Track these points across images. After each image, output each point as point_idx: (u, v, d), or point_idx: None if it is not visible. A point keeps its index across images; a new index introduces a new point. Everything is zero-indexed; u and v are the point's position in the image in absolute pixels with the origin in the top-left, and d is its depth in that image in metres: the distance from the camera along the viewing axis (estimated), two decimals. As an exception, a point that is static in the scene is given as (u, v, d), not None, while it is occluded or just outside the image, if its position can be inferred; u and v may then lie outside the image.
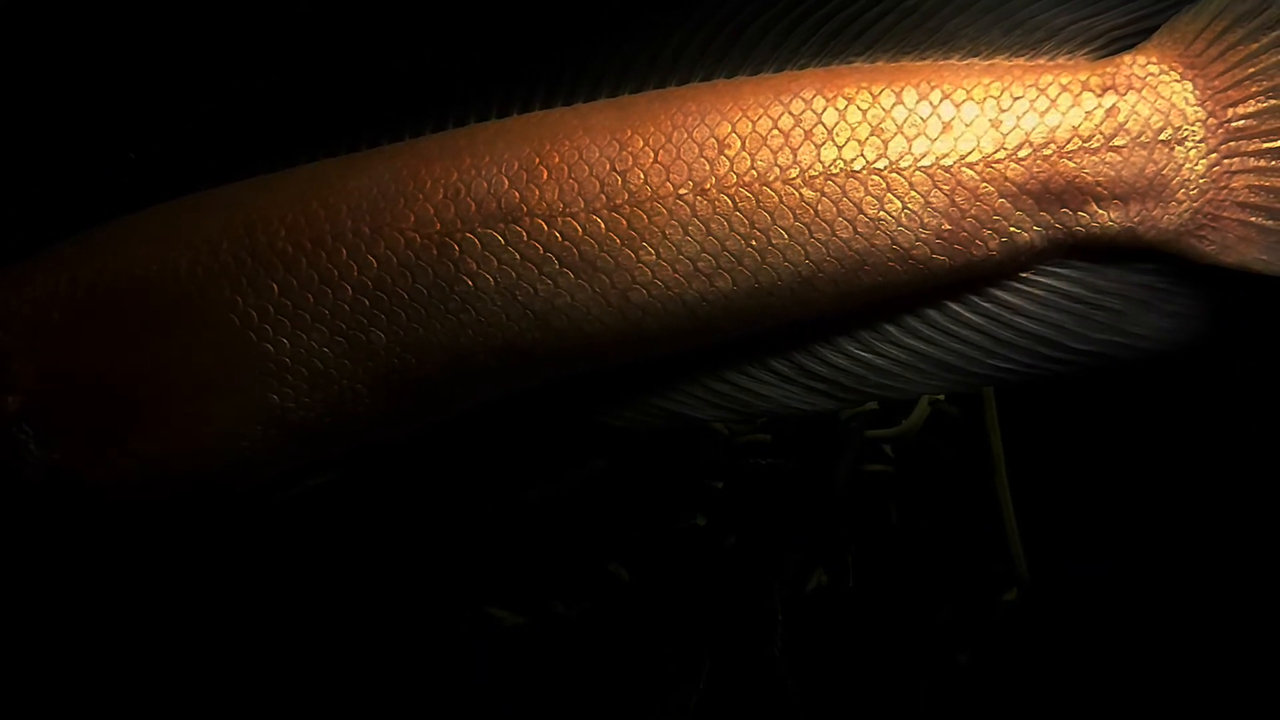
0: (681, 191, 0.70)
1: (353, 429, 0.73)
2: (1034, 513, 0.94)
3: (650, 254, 0.70)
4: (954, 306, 0.71)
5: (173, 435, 0.72)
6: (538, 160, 0.72)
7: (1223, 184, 0.68)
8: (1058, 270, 0.71)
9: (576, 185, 0.71)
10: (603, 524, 0.92)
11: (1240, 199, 0.68)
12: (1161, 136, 0.69)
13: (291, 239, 0.72)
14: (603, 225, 0.70)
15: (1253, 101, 0.68)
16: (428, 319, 0.71)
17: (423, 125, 0.75)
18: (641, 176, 0.71)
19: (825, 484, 0.92)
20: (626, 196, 0.70)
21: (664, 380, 0.74)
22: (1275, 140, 0.68)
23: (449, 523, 0.91)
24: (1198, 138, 0.68)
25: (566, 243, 0.70)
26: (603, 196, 0.70)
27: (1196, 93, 0.69)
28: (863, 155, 0.70)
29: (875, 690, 0.94)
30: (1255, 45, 0.68)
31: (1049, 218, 0.69)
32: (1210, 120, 0.68)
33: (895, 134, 0.70)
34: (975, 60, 0.72)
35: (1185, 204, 0.68)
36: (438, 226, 0.71)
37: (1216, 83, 0.69)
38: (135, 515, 0.76)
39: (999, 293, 0.71)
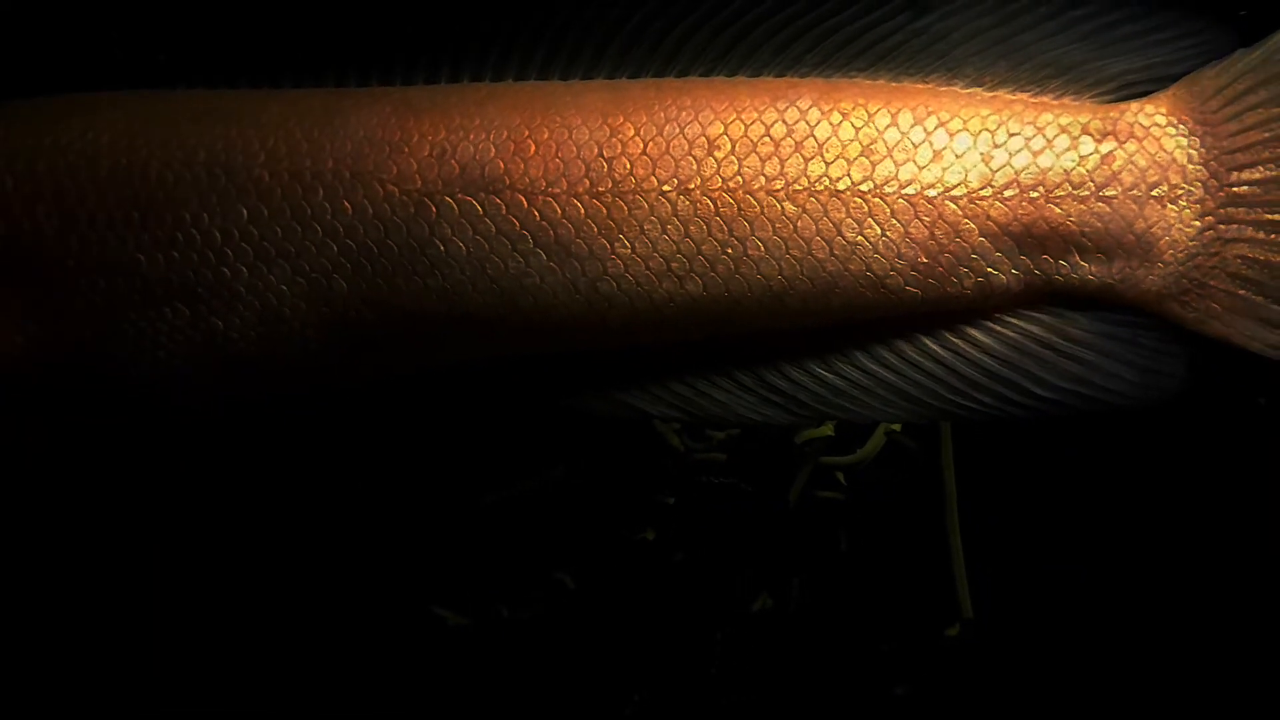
0: (665, 188, 0.70)
1: (295, 372, 0.73)
2: (981, 552, 0.94)
3: (625, 247, 0.70)
4: (922, 338, 0.71)
5: (103, 331, 0.71)
6: (527, 133, 0.71)
7: (1214, 250, 0.66)
8: (1032, 314, 0.70)
9: (562, 165, 0.70)
10: (554, 531, 0.92)
11: (1231, 269, 0.66)
12: (1155, 192, 0.67)
13: (269, 166, 0.70)
14: (582, 210, 0.70)
15: (1261, 169, 0.66)
16: (393, 276, 0.70)
17: (415, 73, 0.74)
18: (628, 166, 0.70)
19: (776, 507, 0.92)
20: (610, 185, 0.70)
21: (620, 370, 0.74)
22: (1278, 213, 0.65)
23: (400, 520, 0.91)
24: (1194, 198, 0.67)
25: (543, 223, 0.70)
26: (586, 181, 0.70)
27: (1202, 151, 0.67)
28: (849, 175, 0.69)
29: (810, 716, 0.94)
30: (1275, 111, 0.66)
31: (1028, 262, 0.68)
32: (1211, 181, 0.67)
33: (885, 157, 0.69)
34: (978, 90, 0.71)
35: (1171, 266, 0.67)
36: (418, 184, 0.70)
37: (1226, 143, 0.67)
38: (61, 413, 0.75)
39: (970, 329, 0.70)
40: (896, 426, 0.93)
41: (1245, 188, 0.66)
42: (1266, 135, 0.66)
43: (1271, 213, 0.65)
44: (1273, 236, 0.65)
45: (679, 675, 0.92)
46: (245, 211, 0.70)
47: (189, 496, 0.89)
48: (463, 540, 0.91)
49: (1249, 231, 0.66)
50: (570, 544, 0.92)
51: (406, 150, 0.71)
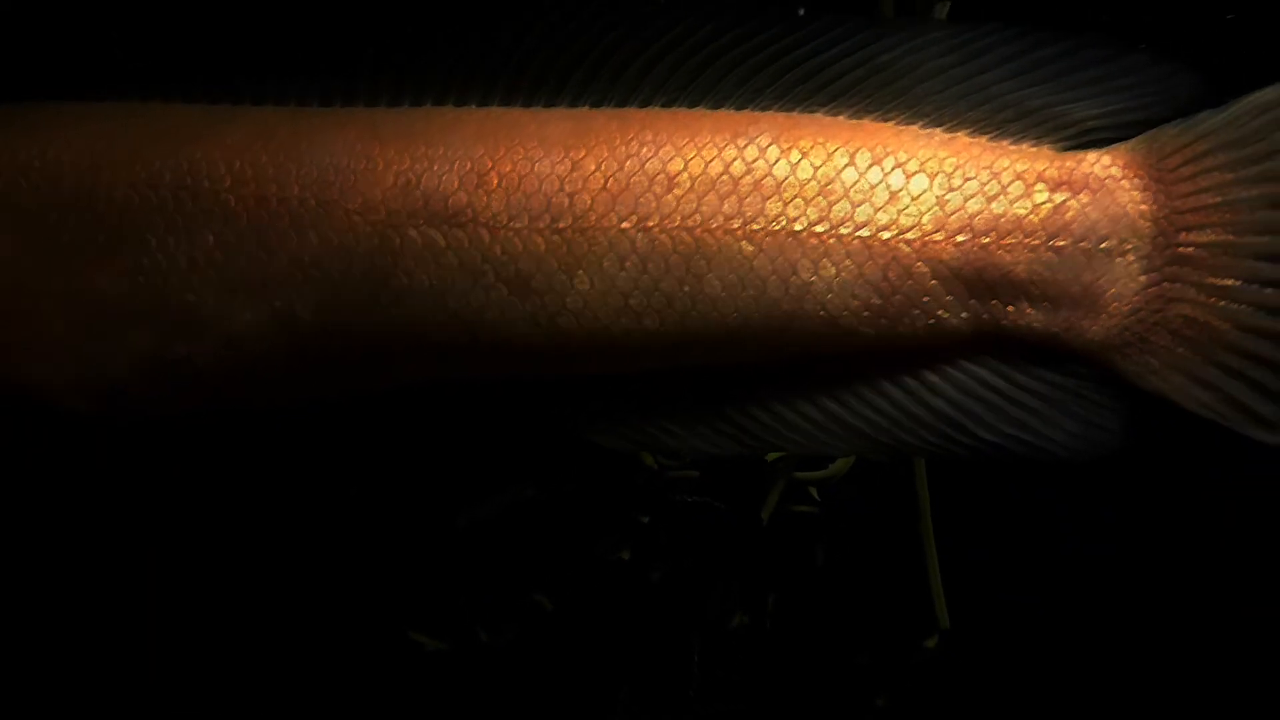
0: (625, 225, 0.71)
1: (257, 393, 0.74)
2: (957, 562, 0.95)
3: (585, 283, 0.71)
4: (875, 374, 0.72)
5: (63, 357, 0.71)
6: (490, 164, 0.71)
7: (1157, 307, 0.67)
8: (982, 357, 0.71)
9: (524, 199, 0.71)
10: (530, 552, 0.93)
11: (1172, 327, 0.67)
12: (1104, 245, 0.68)
13: (235, 192, 0.71)
14: (543, 245, 0.71)
15: (1209, 232, 0.66)
16: (357, 307, 0.71)
17: (378, 95, 0.74)
18: (589, 201, 0.71)
19: (750, 523, 0.93)
20: (571, 220, 0.71)
21: (577, 398, 0.75)
22: (1221, 278, 0.66)
23: (376, 544, 0.92)
24: (1142, 254, 0.67)
25: (505, 257, 0.71)
26: (548, 216, 0.71)
27: (1154, 208, 0.67)
28: (806, 215, 0.70)
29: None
30: (1230, 177, 0.66)
31: (978, 306, 0.69)
32: (1160, 239, 0.67)
33: (841, 197, 0.70)
34: (937, 131, 0.71)
35: (1115, 319, 0.68)
36: (383, 215, 0.71)
37: (1178, 203, 0.67)
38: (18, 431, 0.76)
39: (921, 369, 0.72)
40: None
41: (1192, 249, 0.66)
42: (1219, 200, 0.66)
43: (1214, 277, 0.66)
44: (1211, 300, 0.66)
45: (659, 695, 0.93)
46: (211, 238, 0.71)
47: (162, 521, 0.91)
48: (437, 563, 0.93)
49: (1191, 293, 0.66)
50: (546, 565, 0.93)
51: (372, 179, 0.71)
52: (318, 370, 0.73)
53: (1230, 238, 0.66)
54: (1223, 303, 0.65)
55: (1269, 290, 0.65)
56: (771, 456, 0.92)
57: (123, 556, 0.91)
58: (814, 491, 0.95)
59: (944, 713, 0.97)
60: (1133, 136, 0.69)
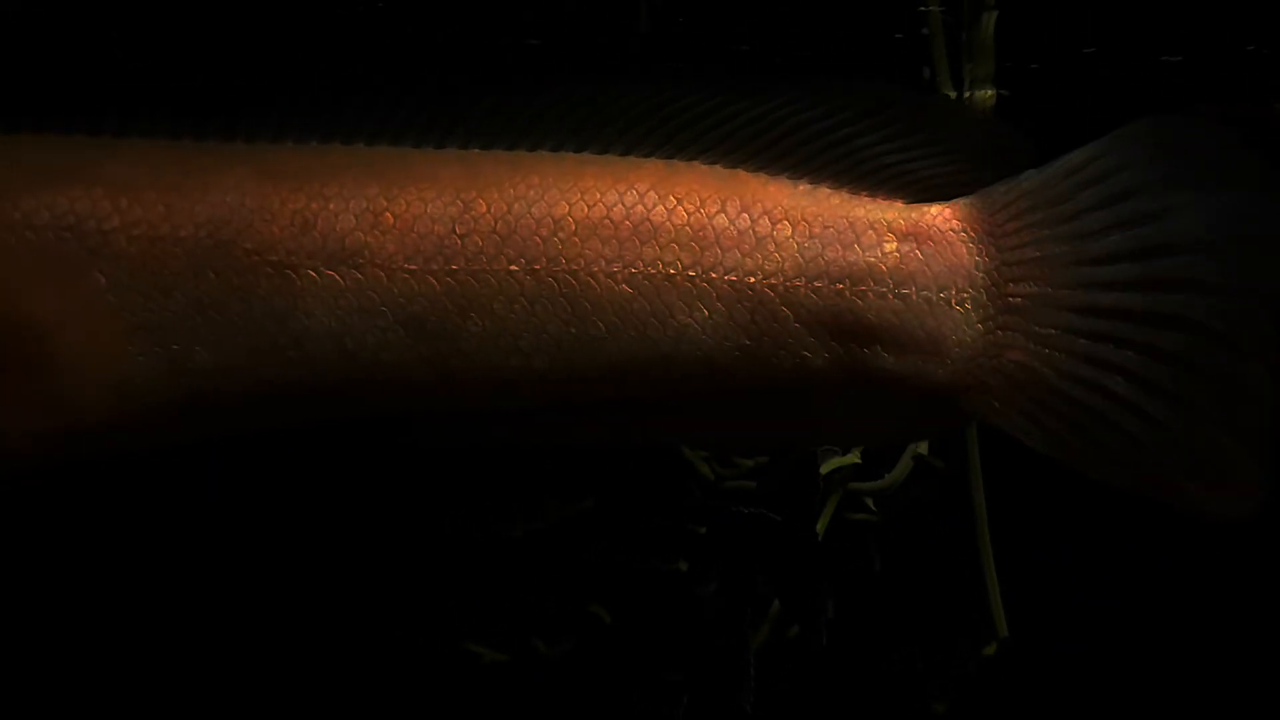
0: (513, 268, 0.74)
1: (146, 438, 0.74)
2: (1015, 570, 0.97)
3: (477, 324, 0.74)
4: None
5: None
6: (385, 204, 0.74)
7: (993, 353, 0.73)
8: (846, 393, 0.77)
9: (417, 240, 0.74)
10: (587, 563, 0.93)
11: (1007, 372, 0.73)
12: (944, 294, 0.74)
13: (126, 232, 0.70)
14: (437, 286, 0.74)
15: (1032, 284, 0.73)
16: (255, 349, 0.72)
17: (264, 128, 0.75)
18: (479, 244, 0.74)
19: (806, 534, 0.94)
20: (463, 263, 0.74)
21: (475, 430, 0.80)
22: (1044, 327, 0.72)
23: (432, 556, 0.92)
24: (978, 303, 0.73)
25: (401, 299, 0.74)
26: (440, 258, 0.74)
27: (986, 260, 0.74)
28: (680, 259, 0.75)
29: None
30: (1047, 233, 0.72)
31: (839, 348, 0.75)
32: (993, 289, 0.73)
33: (712, 243, 0.75)
34: (803, 182, 0.77)
35: (957, 364, 0.74)
36: (280, 255, 0.72)
37: (1006, 255, 0.73)
38: None
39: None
40: (923, 449, 0.97)
41: (1019, 299, 0.73)
42: (1038, 254, 0.72)
43: (1038, 325, 0.72)
44: (1036, 347, 0.72)
45: (718, 707, 0.94)
46: (102, 279, 0.70)
47: (218, 529, 0.90)
48: (495, 575, 0.92)
49: (1020, 340, 0.72)
50: (603, 576, 0.93)
51: (269, 218, 0.72)
52: (211, 412, 0.74)
53: (1049, 290, 0.72)
54: (1045, 350, 0.72)
55: (1082, 340, 0.72)
56: (827, 467, 0.95)
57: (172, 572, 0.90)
58: (870, 502, 0.97)
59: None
60: (970, 193, 0.75)
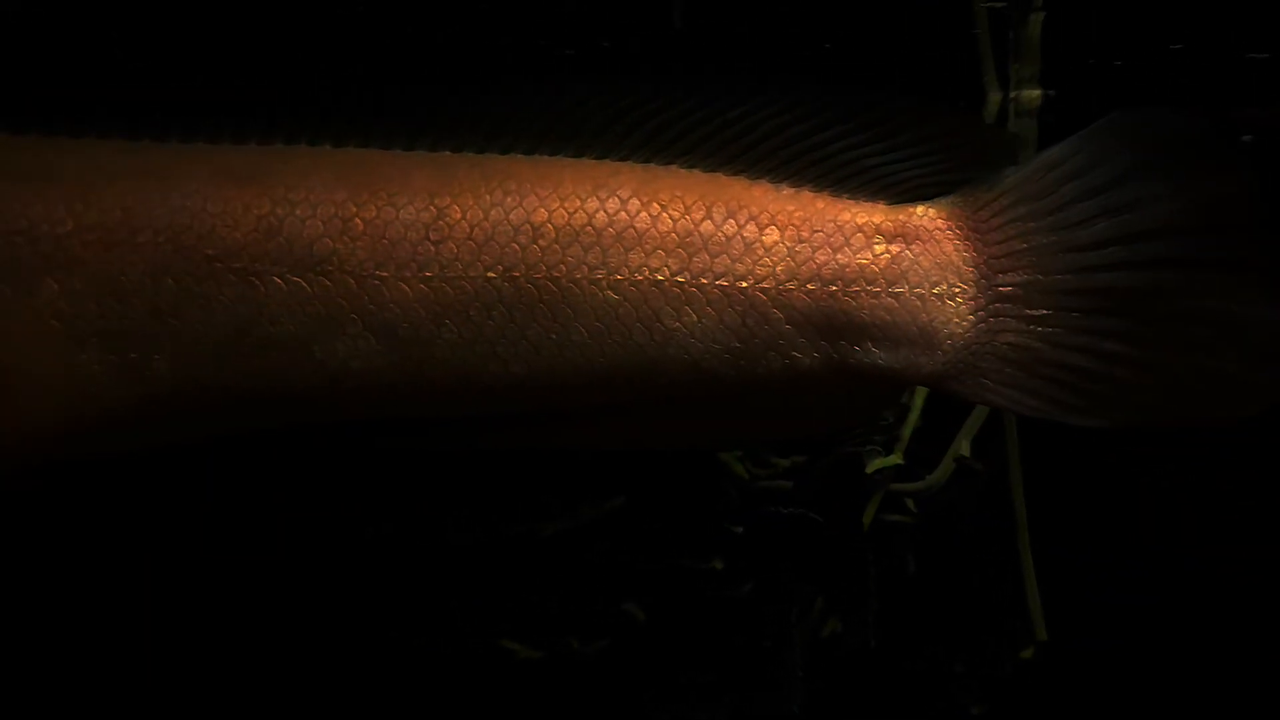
0: (490, 275, 0.72)
1: (105, 446, 0.71)
2: (1055, 575, 0.97)
3: (452, 331, 0.72)
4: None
5: None
6: (354, 210, 0.71)
7: (985, 339, 0.75)
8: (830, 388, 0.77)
9: (389, 246, 0.71)
10: (621, 561, 0.92)
11: (999, 353, 0.75)
12: (935, 290, 0.75)
13: (81, 237, 0.67)
14: (409, 293, 0.71)
15: (1020, 273, 0.74)
16: (217, 356, 0.69)
17: (223, 131, 0.72)
18: (454, 250, 0.72)
19: (853, 534, 0.94)
20: (438, 269, 0.71)
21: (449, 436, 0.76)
22: (1036, 309, 0.74)
23: (466, 553, 0.91)
24: (969, 296, 0.75)
25: (372, 305, 0.71)
26: (413, 264, 0.71)
27: (973, 255, 0.75)
28: (667, 265, 0.73)
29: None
30: (1032, 225, 0.74)
31: (828, 347, 0.75)
32: (983, 282, 0.75)
33: (700, 249, 0.74)
34: (785, 185, 0.76)
35: (949, 354, 0.75)
36: (243, 261, 0.69)
37: (993, 249, 0.75)
38: None
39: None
40: (965, 450, 0.98)
41: (1009, 288, 0.74)
42: (1026, 245, 0.74)
43: (1030, 308, 0.74)
44: (1030, 327, 0.74)
45: (759, 706, 0.93)
46: (55, 286, 0.67)
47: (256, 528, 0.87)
48: (532, 572, 0.91)
49: (1012, 324, 0.74)
50: (639, 574, 0.92)
51: (231, 222, 0.69)
52: (171, 420, 0.71)
53: (1040, 277, 0.74)
54: (1039, 328, 0.74)
55: (1074, 314, 0.74)
56: (871, 467, 0.94)
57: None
58: (911, 503, 0.96)
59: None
60: (951, 191, 0.76)
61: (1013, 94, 0.94)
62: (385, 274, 0.71)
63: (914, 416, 0.97)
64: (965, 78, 0.93)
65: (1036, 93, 0.93)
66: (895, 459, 0.96)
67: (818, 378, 0.75)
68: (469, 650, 0.90)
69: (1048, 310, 0.74)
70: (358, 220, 0.71)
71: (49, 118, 0.71)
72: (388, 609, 0.90)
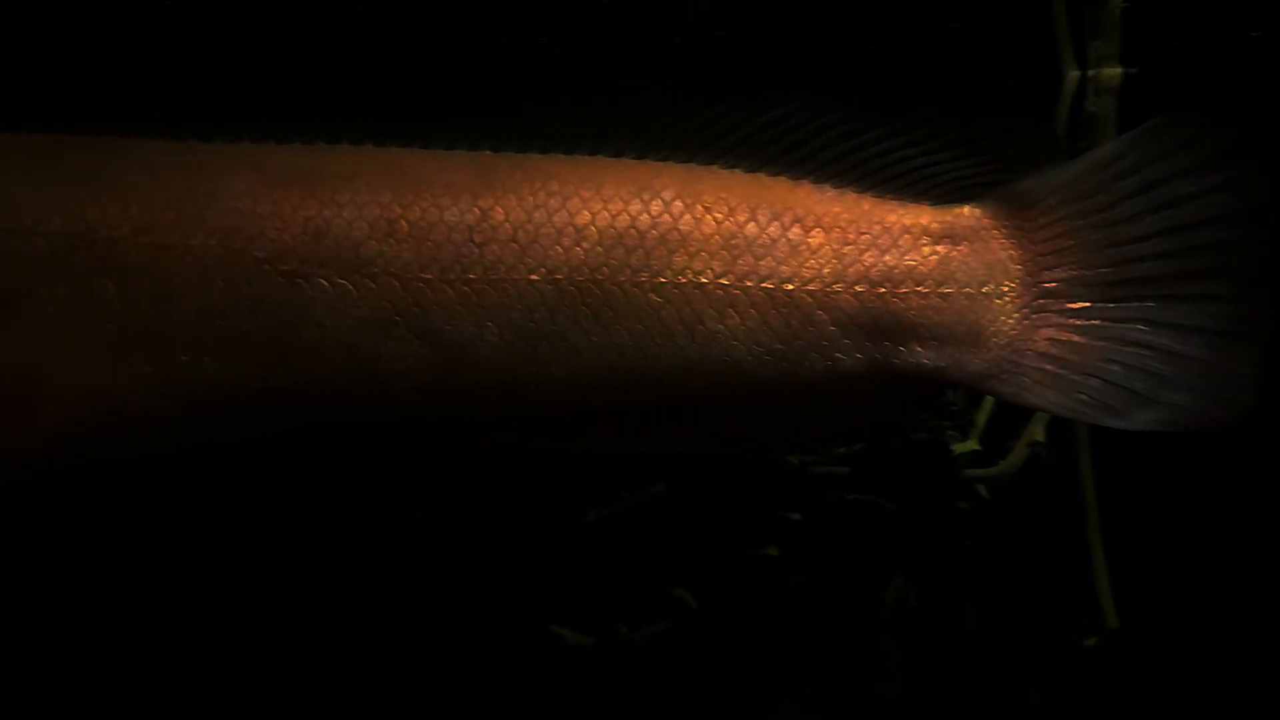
0: (534, 276, 0.72)
1: (151, 443, 0.71)
2: (1126, 565, 0.97)
3: (494, 333, 0.72)
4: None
5: None
6: (399, 212, 0.71)
7: (1028, 336, 0.74)
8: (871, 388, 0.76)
9: (433, 248, 0.71)
10: (672, 548, 0.92)
11: (1040, 349, 0.74)
12: (984, 289, 0.74)
13: (136, 241, 0.68)
14: (453, 295, 0.71)
15: (1065, 269, 0.74)
16: (264, 359, 0.69)
17: (268, 131, 0.73)
18: (498, 251, 0.72)
19: (915, 521, 0.93)
20: (481, 271, 0.71)
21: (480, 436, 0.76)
22: (1077, 303, 0.74)
23: (515, 539, 0.91)
24: (1015, 293, 0.74)
25: (416, 308, 0.71)
26: (458, 266, 0.71)
27: (1019, 253, 0.74)
28: (711, 268, 0.73)
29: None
30: (1080, 222, 0.74)
31: (872, 348, 0.74)
32: (1028, 279, 0.74)
33: (744, 252, 0.73)
34: (828, 187, 0.75)
35: (994, 351, 0.74)
36: (292, 264, 0.70)
37: (1039, 247, 0.74)
38: None
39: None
40: (1040, 435, 0.97)
41: (1054, 284, 0.74)
42: (1072, 242, 0.74)
43: (1071, 303, 0.74)
44: (1071, 321, 0.74)
45: (849, 692, 0.93)
46: (111, 287, 0.68)
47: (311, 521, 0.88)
48: (582, 558, 0.91)
49: (1054, 319, 0.74)
50: (691, 561, 0.92)
51: (280, 225, 0.70)
52: (217, 421, 0.72)
53: (1084, 272, 0.74)
54: (1079, 321, 0.74)
55: (1113, 306, 0.73)
56: (959, 449, 0.94)
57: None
58: (983, 490, 0.96)
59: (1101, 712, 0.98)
60: (992, 190, 0.76)
61: (1091, 72, 0.92)
62: (429, 276, 0.71)
63: (990, 401, 0.96)
64: (1042, 56, 0.92)
65: (1117, 71, 0.92)
66: (972, 444, 0.95)
67: (859, 379, 0.75)
68: (517, 636, 0.90)
69: (1089, 304, 0.73)
70: (403, 222, 0.71)
71: (94, 117, 0.72)
72: (434, 598, 0.90)
